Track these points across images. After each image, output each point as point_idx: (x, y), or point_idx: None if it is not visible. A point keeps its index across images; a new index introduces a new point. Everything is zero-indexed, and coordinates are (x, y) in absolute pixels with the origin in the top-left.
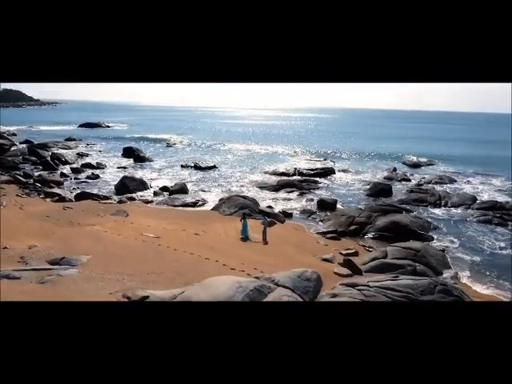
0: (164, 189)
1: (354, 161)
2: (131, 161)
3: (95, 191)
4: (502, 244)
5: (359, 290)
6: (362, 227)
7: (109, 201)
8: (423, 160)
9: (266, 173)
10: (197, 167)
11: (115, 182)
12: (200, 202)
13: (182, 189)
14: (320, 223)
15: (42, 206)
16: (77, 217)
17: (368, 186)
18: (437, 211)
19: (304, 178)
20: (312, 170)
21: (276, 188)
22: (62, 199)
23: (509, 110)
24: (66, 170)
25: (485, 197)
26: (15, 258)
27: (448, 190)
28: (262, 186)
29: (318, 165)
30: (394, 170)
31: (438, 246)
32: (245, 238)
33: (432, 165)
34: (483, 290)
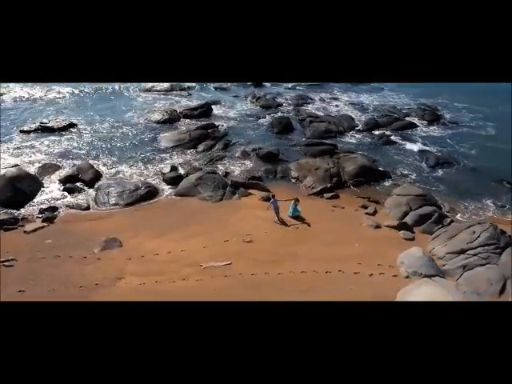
0: (69, 179)
1: (201, 90)
2: None
3: None
4: (424, 165)
5: (475, 254)
6: (340, 177)
7: (34, 225)
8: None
9: (146, 120)
10: (46, 129)
11: None
12: (152, 191)
13: (97, 174)
14: (293, 181)
15: None
16: (59, 273)
17: (260, 121)
18: (348, 140)
19: (197, 122)
20: (193, 109)
21: (193, 144)
22: None
23: None
24: None
25: (352, 115)
26: None
27: (322, 113)
28: (175, 145)
29: (176, 98)
30: (255, 96)
31: (402, 182)
32: (293, 216)
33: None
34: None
